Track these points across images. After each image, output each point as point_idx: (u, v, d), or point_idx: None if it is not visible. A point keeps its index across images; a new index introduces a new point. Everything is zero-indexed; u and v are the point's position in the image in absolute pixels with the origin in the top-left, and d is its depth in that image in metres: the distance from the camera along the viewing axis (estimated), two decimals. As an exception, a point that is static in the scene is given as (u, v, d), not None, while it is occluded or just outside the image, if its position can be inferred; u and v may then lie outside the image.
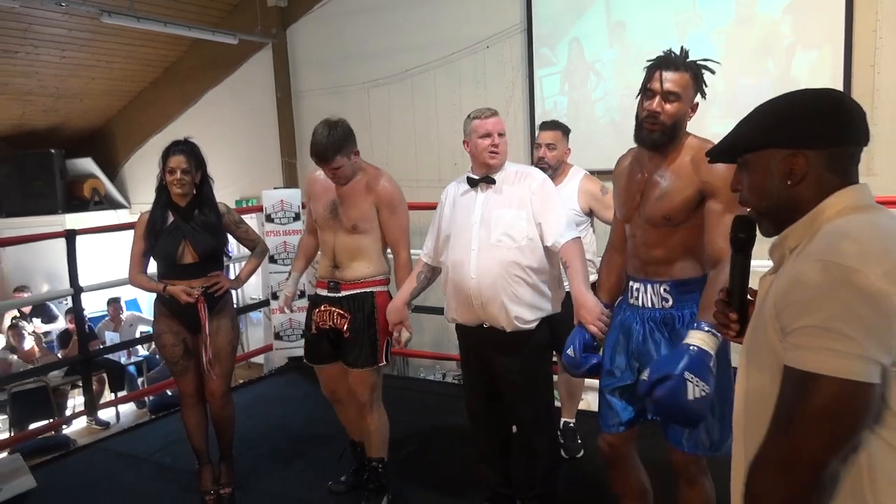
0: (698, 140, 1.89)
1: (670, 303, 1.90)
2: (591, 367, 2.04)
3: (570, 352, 2.06)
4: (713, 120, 3.80)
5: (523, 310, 2.26)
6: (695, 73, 1.83)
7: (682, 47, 1.86)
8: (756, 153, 1.06)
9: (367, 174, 2.57)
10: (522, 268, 2.24)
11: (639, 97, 1.89)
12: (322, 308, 2.63)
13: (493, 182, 2.32)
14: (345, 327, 2.57)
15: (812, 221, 1.00)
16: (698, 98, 1.88)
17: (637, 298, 1.97)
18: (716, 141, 1.92)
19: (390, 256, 2.72)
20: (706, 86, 1.89)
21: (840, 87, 3.69)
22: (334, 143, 2.42)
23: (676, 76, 1.80)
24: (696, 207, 1.83)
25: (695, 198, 1.82)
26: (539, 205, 2.25)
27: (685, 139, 1.88)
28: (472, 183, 2.35)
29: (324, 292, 2.65)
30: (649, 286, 1.93)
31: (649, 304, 1.94)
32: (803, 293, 0.91)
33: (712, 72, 1.87)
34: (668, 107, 1.80)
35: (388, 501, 2.73)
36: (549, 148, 2.90)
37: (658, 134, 1.82)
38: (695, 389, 1.63)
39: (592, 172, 3.07)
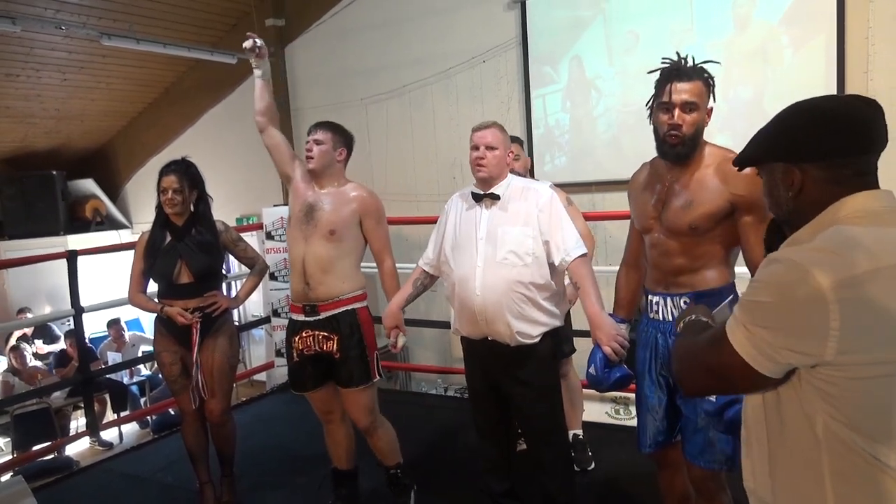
0: (718, 148, 1.85)
1: None
2: (616, 381, 2.00)
3: (591, 370, 2.03)
4: (709, 130, 3.82)
5: (527, 326, 2.24)
6: (705, 80, 1.80)
7: (688, 55, 1.83)
8: (764, 165, 1.09)
9: (351, 186, 2.58)
10: (527, 285, 2.21)
11: (650, 110, 1.86)
12: (303, 334, 2.55)
13: (498, 198, 2.29)
14: (334, 349, 2.51)
15: (813, 228, 1.02)
16: (711, 103, 1.83)
17: (657, 312, 1.93)
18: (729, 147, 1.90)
19: (365, 270, 2.67)
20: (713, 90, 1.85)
21: (834, 93, 3.71)
22: (330, 124, 2.56)
23: (689, 85, 1.76)
24: (723, 218, 1.79)
25: (724, 209, 1.78)
26: (546, 222, 2.22)
27: (704, 147, 1.85)
28: (477, 198, 2.33)
29: (300, 317, 2.56)
30: (669, 299, 1.89)
31: (670, 318, 1.89)
32: (765, 277, 0.97)
33: (712, 78, 1.84)
34: (687, 117, 1.77)
35: (414, 496, 2.78)
36: (514, 160, 3.02)
37: (682, 146, 1.79)
38: None
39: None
